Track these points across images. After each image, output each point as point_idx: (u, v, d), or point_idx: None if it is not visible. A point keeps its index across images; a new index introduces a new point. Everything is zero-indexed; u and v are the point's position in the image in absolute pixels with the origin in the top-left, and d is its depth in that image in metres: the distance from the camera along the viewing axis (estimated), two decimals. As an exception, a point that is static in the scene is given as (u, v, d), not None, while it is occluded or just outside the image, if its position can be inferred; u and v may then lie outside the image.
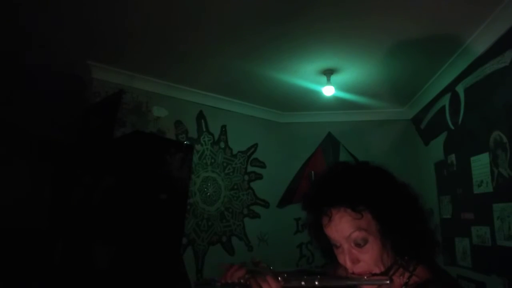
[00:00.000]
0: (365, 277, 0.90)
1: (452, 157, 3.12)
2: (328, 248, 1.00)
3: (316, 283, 0.93)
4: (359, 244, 0.90)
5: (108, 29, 2.56)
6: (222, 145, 3.91)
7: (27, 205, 4.28)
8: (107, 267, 2.12)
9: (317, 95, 3.58)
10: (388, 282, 0.89)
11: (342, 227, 0.90)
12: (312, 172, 4.22)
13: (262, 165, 4.20)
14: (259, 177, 4.16)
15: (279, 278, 0.95)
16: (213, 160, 3.79)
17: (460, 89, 2.96)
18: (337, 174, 0.96)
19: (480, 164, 2.63)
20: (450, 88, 3.13)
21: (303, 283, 0.94)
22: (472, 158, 2.75)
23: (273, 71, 3.18)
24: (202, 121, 3.77)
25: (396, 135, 4.17)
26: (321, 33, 2.58)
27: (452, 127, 3.13)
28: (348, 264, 0.91)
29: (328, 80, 3.19)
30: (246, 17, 2.40)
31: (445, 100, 3.24)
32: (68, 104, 3.67)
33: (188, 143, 3.47)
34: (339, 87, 3.42)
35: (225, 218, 3.80)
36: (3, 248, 3.87)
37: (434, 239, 0.95)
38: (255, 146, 4.17)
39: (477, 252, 2.70)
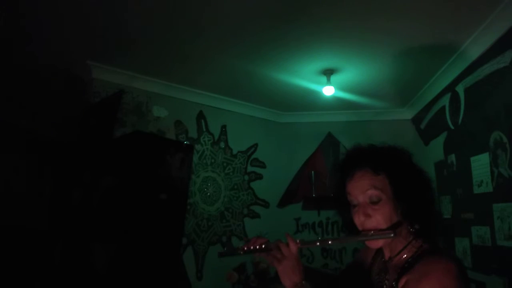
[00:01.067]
0: (372, 232, 1.02)
1: (452, 157, 3.12)
2: (346, 215, 1.12)
3: (330, 242, 1.12)
4: (373, 201, 1.03)
5: (108, 29, 2.56)
6: (222, 145, 3.91)
7: (27, 205, 4.27)
8: (106, 267, 2.12)
9: (317, 95, 3.58)
10: (392, 235, 0.99)
11: (362, 184, 1.05)
12: (312, 172, 4.22)
13: (262, 165, 4.20)
14: (259, 177, 4.16)
15: (297, 240, 1.08)
16: (213, 160, 3.79)
17: (460, 89, 2.96)
18: (365, 147, 1.12)
19: (480, 164, 2.63)
20: (450, 88, 3.13)
21: (318, 243, 1.11)
22: (472, 158, 2.75)
23: (273, 71, 3.18)
24: (202, 121, 3.77)
25: (396, 135, 4.16)
26: (321, 33, 2.58)
27: (452, 127, 3.13)
28: (361, 218, 1.04)
29: (328, 80, 3.19)
30: (247, 17, 2.40)
31: (445, 100, 3.24)
32: (68, 104, 3.66)
33: (188, 143, 3.47)
34: (339, 87, 3.42)
35: (225, 218, 3.80)
36: (3, 248, 3.87)
37: (439, 217, 1.09)
38: (255, 146, 4.17)
39: (477, 252, 2.70)
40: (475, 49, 2.65)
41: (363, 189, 1.04)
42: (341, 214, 1.16)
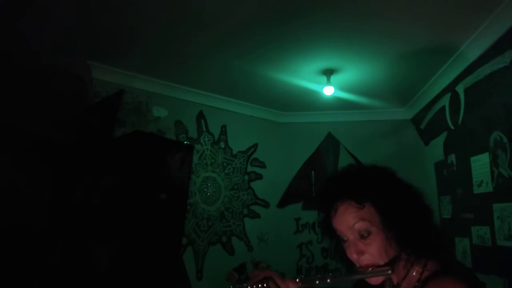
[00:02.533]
0: (370, 269, 0.95)
1: (452, 157, 3.12)
2: (339, 247, 1.05)
3: (328, 280, 1.01)
4: (363, 235, 0.95)
5: (108, 29, 2.56)
6: (222, 145, 3.91)
7: (27, 204, 4.27)
8: (107, 267, 2.12)
9: (317, 95, 3.58)
10: (389, 272, 0.94)
11: (347, 218, 0.96)
12: (312, 172, 4.22)
13: (262, 165, 4.20)
14: (259, 177, 4.16)
15: (297, 280, 1.02)
16: (213, 160, 3.79)
17: (460, 89, 2.96)
18: (343, 172, 1.03)
19: (480, 164, 2.63)
20: (450, 88, 3.13)
21: (317, 282, 1.01)
22: (472, 158, 2.75)
23: (273, 71, 3.18)
24: (202, 121, 3.77)
25: (396, 135, 4.17)
26: (321, 33, 2.58)
27: (452, 127, 3.13)
28: (354, 256, 0.97)
29: (328, 80, 3.19)
30: (247, 18, 2.40)
31: (445, 100, 3.24)
32: (68, 104, 3.66)
33: (188, 143, 3.47)
34: (339, 87, 3.42)
35: (225, 218, 3.80)
36: (3, 248, 3.87)
37: (438, 233, 1.00)
38: (255, 146, 4.17)
39: (477, 252, 2.70)
40: (475, 49, 2.65)
41: (349, 224, 0.96)
42: (333, 246, 1.09)
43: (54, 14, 2.38)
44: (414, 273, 0.97)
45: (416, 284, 0.95)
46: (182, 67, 3.16)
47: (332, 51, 2.86)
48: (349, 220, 0.96)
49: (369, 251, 0.95)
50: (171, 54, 2.92)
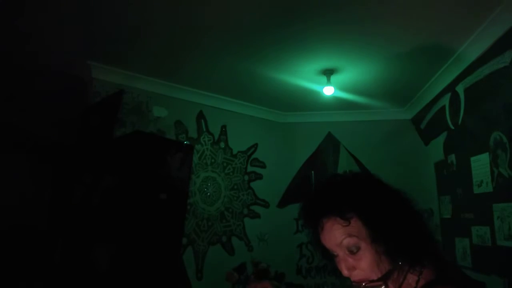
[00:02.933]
0: (364, 284, 0.92)
1: (452, 157, 3.12)
2: (332, 262, 1.02)
3: None
4: (352, 251, 0.92)
5: (108, 29, 2.56)
6: (222, 145, 3.91)
7: (27, 204, 4.27)
8: (107, 267, 2.12)
9: (317, 95, 3.58)
10: (383, 287, 0.91)
11: (334, 235, 0.93)
12: (312, 172, 4.22)
13: (262, 165, 4.20)
14: (259, 177, 4.16)
15: None
16: (213, 160, 3.79)
17: (460, 89, 2.96)
18: (325, 186, 0.99)
19: (480, 164, 2.63)
20: (450, 88, 3.13)
21: None
22: (472, 158, 2.75)
23: (273, 71, 3.18)
24: (202, 121, 3.77)
25: (396, 135, 4.17)
26: (321, 33, 2.58)
27: (452, 127, 3.13)
28: (345, 272, 0.94)
29: (328, 80, 3.19)
30: (247, 18, 2.40)
31: (445, 100, 3.24)
32: (68, 104, 3.66)
33: (188, 143, 3.47)
34: (339, 87, 3.42)
35: (225, 218, 3.80)
36: (3, 248, 3.86)
37: (430, 240, 0.96)
38: (255, 146, 4.17)
39: (477, 252, 2.70)
40: (475, 49, 2.65)
41: (336, 241, 0.93)
42: (325, 260, 1.05)
43: (54, 14, 2.38)
44: (410, 282, 0.94)
45: None
46: (182, 67, 3.16)
47: (332, 51, 2.86)
48: (337, 237, 0.93)
49: (360, 267, 0.92)
50: (171, 54, 2.92)
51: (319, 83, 3.33)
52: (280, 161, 4.29)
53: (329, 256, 1.02)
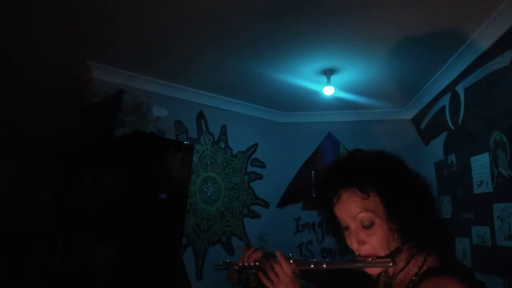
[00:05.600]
0: (370, 259, 0.92)
1: (452, 157, 3.12)
2: (339, 233, 1.02)
3: (324, 266, 0.99)
4: (366, 226, 0.92)
5: (108, 29, 2.56)
6: (222, 145, 3.91)
7: (27, 204, 4.28)
8: (106, 267, 2.12)
9: (317, 95, 3.58)
10: (391, 264, 0.90)
11: (350, 207, 0.93)
12: (312, 172, 4.22)
13: (262, 165, 4.20)
14: (259, 177, 4.16)
15: (291, 261, 1.00)
16: (213, 160, 3.79)
17: (460, 89, 2.96)
18: (349, 158, 0.99)
19: (480, 164, 2.63)
20: (450, 88, 3.13)
21: (312, 266, 1.00)
22: (472, 158, 2.75)
23: (273, 71, 3.18)
24: (202, 121, 3.77)
25: (396, 135, 4.17)
26: (321, 33, 2.58)
27: (452, 127, 3.13)
28: (355, 246, 0.94)
29: (328, 80, 3.19)
30: (247, 18, 2.40)
31: (445, 100, 3.24)
32: (68, 104, 3.66)
33: (188, 143, 3.47)
34: (339, 87, 3.42)
35: (225, 218, 3.80)
36: (3, 248, 3.87)
37: (443, 228, 0.96)
38: (255, 146, 4.17)
39: (477, 252, 2.70)
40: (475, 49, 2.65)
41: (352, 213, 0.93)
42: (333, 236, 1.05)
43: (54, 14, 2.38)
44: (412, 267, 0.94)
45: (414, 278, 0.92)
46: (182, 67, 3.16)
47: (332, 51, 2.86)
48: (352, 209, 0.93)
49: (371, 242, 0.92)
50: (171, 54, 2.92)
51: (319, 83, 3.33)
52: (280, 161, 4.29)
53: (337, 231, 1.02)
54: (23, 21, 2.48)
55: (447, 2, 2.21)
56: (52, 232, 2.70)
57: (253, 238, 3.98)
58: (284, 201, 4.29)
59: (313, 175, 4.20)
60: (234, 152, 4.00)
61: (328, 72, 3.16)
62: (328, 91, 3.25)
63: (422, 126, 3.85)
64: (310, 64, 3.05)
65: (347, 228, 0.96)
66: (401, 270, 0.96)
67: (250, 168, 4.11)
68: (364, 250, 0.93)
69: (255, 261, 1.08)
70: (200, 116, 3.76)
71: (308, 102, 3.92)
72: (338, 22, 2.45)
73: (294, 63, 3.03)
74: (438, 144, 3.42)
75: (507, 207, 2.32)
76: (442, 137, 3.33)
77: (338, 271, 1.23)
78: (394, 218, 0.91)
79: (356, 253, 0.96)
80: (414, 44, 2.71)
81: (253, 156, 4.15)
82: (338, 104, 3.94)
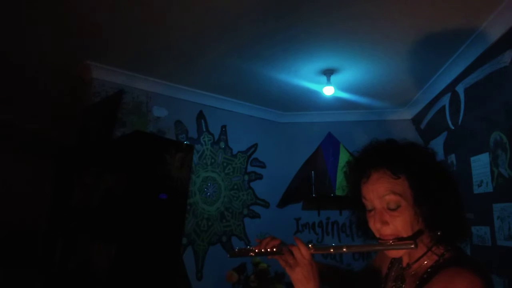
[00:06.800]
0: (391, 241, 0.93)
1: (452, 157, 3.12)
2: (361, 217, 1.03)
3: (344, 249, 0.97)
4: (391, 208, 0.93)
5: (108, 29, 2.56)
6: (222, 145, 3.91)
7: (27, 205, 4.28)
8: (107, 267, 2.12)
9: (317, 95, 3.58)
10: (412, 246, 0.90)
11: (378, 187, 0.94)
12: (312, 172, 4.22)
13: (262, 165, 4.20)
14: (259, 177, 4.16)
15: (310, 245, 1.00)
16: (213, 160, 3.79)
17: (460, 89, 2.96)
18: (383, 142, 1.02)
19: (480, 164, 2.63)
20: (450, 88, 3.13)
21: (331, 250, 0.99)
22: (472, 158, 2.75)
23: (273, 71, 3.18)
24: (202, 121, 3.77)
25: (396, 135, 4.15)
26: (321, 33, 2.58)
27: (452, 127, 3.13)
28: (377, 225, 0.95)
29: (328, 80, 3.19)
30: (247, 17, 2.40)
31: (445, 100, 3.24)
32: (68, 104, 3.66)
33: (188, 143, 3.47)
34: (339, 87, 3.42)
35: (225, 218, 3.80)
36: (3, 248, 3.87)
37: (466, 222, 0.97)
38: (255, 146, 4.17)
39: (477, 252, 2.70)
40: (475, 49, 2.65)
41: (380, 194, 0.94)
42: (355, 215, 1.07)
43: (54, 14, 2.38)
44: (428, 259, 0.95)
45: (429, 270, 0.92)
46: (182, 67, 3.16)
47: (332, 51, 2.86)
48: (381, 190, 0.94)
49: (394, 223, 0.93)
50: (170, 54, 2.92)
51: (319, 83, 3.33)
52: (280, 161, 4.29)
53: (360, 213, 1.03)
54: (23, 21, 2.48)
55: (447, 2, 2.21)
56: (52, 232, 2.70)
57: (253, 238, 3.97)
58: (284, 201, 4.28)
59: (313, 175, 4.20)
60: (234, 152, 4.00)
61: (328, 72, 3.16)
62: (328, 91, 3.25)
63: (422, 126, 3.85)
64: (310, 64, 3.05)
65: (371, 210, 0.97)
66: (416, 260, 0.96)
67: (250, 168, 4.11)
68: (387, 229, 0.94)
69: (272, 247, 1.07)
70: (200, 116, 3.76)
71: (308, 102, 3.92)
72: (338, 22, 2.45)
73: (294, 63, 3.03)
74: (438, 144, 3.42)
75: (507, 207, 2.32)
76: (442, 137, 3.33)
77: (349, 276, 1.25)
78: (421, 202, 0.92)
79: (377, 234, 0.96)
80: (414, 44, 2.71)
81: (253, 156, 4.15)
82: (338, 104, 3.94)
